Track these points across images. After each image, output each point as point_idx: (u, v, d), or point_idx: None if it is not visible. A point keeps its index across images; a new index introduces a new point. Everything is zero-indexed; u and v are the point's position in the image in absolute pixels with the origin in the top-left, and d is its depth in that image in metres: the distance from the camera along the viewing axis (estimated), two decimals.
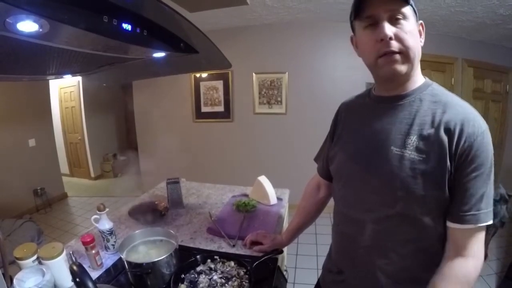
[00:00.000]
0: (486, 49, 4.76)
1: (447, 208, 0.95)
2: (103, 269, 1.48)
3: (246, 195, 2.38)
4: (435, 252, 0.99)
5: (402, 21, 0.92)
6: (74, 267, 1.06)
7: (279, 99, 4.83)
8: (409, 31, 0.92)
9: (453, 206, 0.93)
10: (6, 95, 4.74)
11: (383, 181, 1.01)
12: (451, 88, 4.73)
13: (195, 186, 2.73)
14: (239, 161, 5.24)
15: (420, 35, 0.98)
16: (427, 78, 1.06)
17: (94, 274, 1.40)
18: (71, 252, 1.28)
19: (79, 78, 6.03)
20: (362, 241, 1.09)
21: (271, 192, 2.22)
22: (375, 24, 0.94)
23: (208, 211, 2.10)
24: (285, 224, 2.07)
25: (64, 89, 7.18)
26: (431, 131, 0.93)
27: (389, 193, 0.99)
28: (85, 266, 1.16)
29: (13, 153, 4.91)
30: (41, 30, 0.73)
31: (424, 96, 0.99)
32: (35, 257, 1.25)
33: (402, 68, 0.95)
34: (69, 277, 1.23)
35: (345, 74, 4.36)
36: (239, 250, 1.63)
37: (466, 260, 0.93)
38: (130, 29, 0.90)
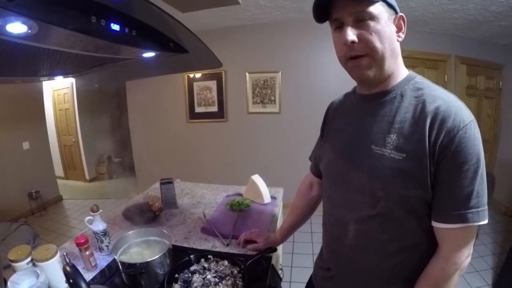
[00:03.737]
0: (479, 46, 4.77)
1: (431, 206, 0.92)
2: (98, 270, 1.48)
3: (240, 195, 2.38)
4: (420, 251, 0.98)
5: (368, 22, 0.90)
6: (67, 268, 1.06)
7: (272, 98, 4.82)
8: (376, 31, 0.90)
9: (438, 205, 0.90)
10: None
11: (364, 181, 1.00)
12: (444, 85, 4.69)
13: (189, 186, 2.73)
14: (233, 160, 5.24)
15: (400, 29, 0.95)
16: (411, 71, 1.03)
17: (89, 276, 1.40)
18: (65, 254, 1.28)
19: (72, 80, 6.01)
20: (346, 240, 1.10)
21: (265, 191, 2.23)
22: (341, 27, 0.94)
23: (202, 211, 2.10)
24: (279, 223, 2.08)
25: (58, 91, 7.15)
26: (411, 129, 0.90)
27: (370, 192, 0.98)
28: (80, 268, 1.16)
29: (7, 156, 4.89)
30: (30, 31, 0.74)
31: (406, 91, 0.97)
32: (29, 259, 1.25)
33: (369, 73, 0.95)
34: (63, 278, 1.23)
35: (338, 73, 4.20)
36: (233, 249, 1.63)
37: (447, 262, 0.91)
38: (118, 29, 0.91)
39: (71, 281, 1.07)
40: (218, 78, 4.99)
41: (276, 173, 3.95)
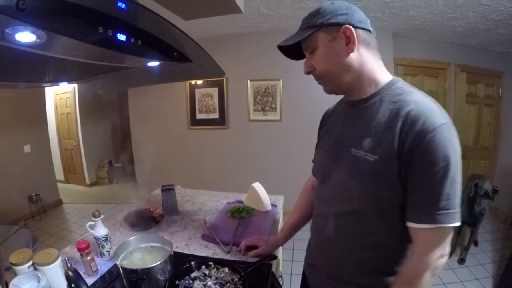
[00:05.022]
0: (479, 54, 4.80)
1: (403, 208, 0.96)
2: (98, 276, 1.48)
3: (240, 202, 2.38)
4: (393, 248, 1.05)
5: (315, 53, 1.06)
6: (70, 273, 1.07)
7: (273, 106, 4.83)
8: (320, 58, 1.05)
9: (409, 205, 0.94)
10: (2, 101, 4.73)
11: (343, 179, 1.09)
12: (444, 93, 4.81)
13: (190, 193, 2.74)
14: (234, 168, 5.23)
15: (349, 41, 0.99)
16: (394, 77, 1.08)
17: (89, 281, 1.40)
18: (66, 258, 1.29)
19: (74, 85, 6.03)
20: (326, 232, 1.20)
21: (266, 199, 2.23)
22: None
23: (202, 217, 2.10)
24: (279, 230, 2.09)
25: (60, 96, 7.17)
26: (384, 132, 0.96)
27: (348, 191, 1.07)
28: (80, 273, 1.17)
29: (8, 159, 4.90)
30: (38, 40, 0.75)
31: (386, 96, 1.02)
32: (30, 263, 1.25)
33: (326, 89, 1.14)
34: (64, 283, 1.24)
35: None
36: (233, 256, 1.64)
37: (419, 261, 0.95)
38: (124, 40, 0.93)
39: (73, 285, 1.08)
40: (219, 85, 5.01)
41: (276, 181, 3.95)
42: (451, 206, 0.88)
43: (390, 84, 1.05)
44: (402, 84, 1.04)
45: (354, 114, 1.11)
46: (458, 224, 0.90)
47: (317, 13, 1.02)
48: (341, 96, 1.26)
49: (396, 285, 1.00)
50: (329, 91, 1.14)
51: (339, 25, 0.99)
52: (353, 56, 1.01)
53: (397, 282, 1.00)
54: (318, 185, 1.32)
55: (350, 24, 0.98)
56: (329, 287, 1.23)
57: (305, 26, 1.05)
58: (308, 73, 1.12)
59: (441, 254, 0.93)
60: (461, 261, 3.49)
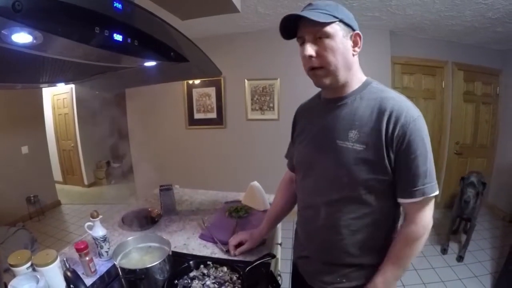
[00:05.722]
0: (476, 52, 4.80)
1: (393, 187, 1.13)
2: (97, 276, 1.48)
3: (238, 201, 2.38)
4: (383, 226, 1.20)
5: (324, 40, 1.09)
6: (68, 274, 1.07)
7: (271, 105, 4.82)
8: (331, 47, 1.08)
9: (403, 185, 1.10)
10: None
11: (331, 170, 1.19)
12: (441, 92, 4.81)
13: (188, 193, 2.73)
14: (232, 167, 5.21)
15: (356, 45, 1.14)
16: (369, 78, 1.23)
17: (88, 281, 1.40)
18: (65, 259, 1.29)
19: (72, 85, 6.01)
20: (318, 221, 1.28)
21: (264, 198, 2.24)
22: (303, 43, 1.13)
23: (201, 217, 2.10)
24: (278, 229, 2.09)
25: (57, 96, 7.15)
26: (370, 124, 1.10)
27: (337, 179, 1.17)
28: (79, 273, 1.17)
29: (6, 160, 4.88)
30: (35, 41, 0.75)
31: (364, 94, 1.17)
32: (29, 264, 1.25)
33: (325, 81, 1.15)
34: (63, 283, 1.24)
35: None
36: (232, 255, 1.64)
37: (417, 226, 1.13)
38: (121, 40, 0.93)
39: (71, 286, 1.08)
40: (217, 84, 4.98)
41: (274, 180, 3.92)
42: (431, 179, 1.08)
43: (366, 84, 1.20)
44: (377, 84, 1.20)
45: (334, 110, 1.22)
46: (437, 192, 1.10)
47: (336, 8, 1.10)
48: (313, 93, 1.41)
49: (396, 248, 1.17)
50: (324, 85, 1.18)
51: (352, 28, 1.12)
52: (355, 59, 1.16)
53: (398, 245, 1.17)
54: (300, 179, 1.40)
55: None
56: (326, 273, 1.32)
57: (325, 12, 1.08)
58: (310, 56, 1.12)
59: (430, 219, 1.15)
60: (460, 258, 3.52)
